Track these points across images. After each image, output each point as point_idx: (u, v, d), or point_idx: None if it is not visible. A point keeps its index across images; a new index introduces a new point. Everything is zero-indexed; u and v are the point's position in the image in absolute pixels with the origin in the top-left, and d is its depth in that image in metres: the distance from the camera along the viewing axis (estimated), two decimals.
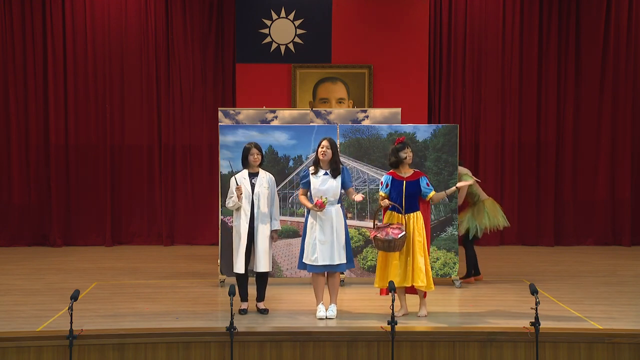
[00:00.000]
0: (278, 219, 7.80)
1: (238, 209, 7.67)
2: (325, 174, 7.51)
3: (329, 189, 7.48)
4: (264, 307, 7.74)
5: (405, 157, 7.55)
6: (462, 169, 9.18)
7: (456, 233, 9.08)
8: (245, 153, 7.72)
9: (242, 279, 7.71)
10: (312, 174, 7.55)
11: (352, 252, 7.72)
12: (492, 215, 9.16)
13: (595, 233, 12.07)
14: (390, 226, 7.42)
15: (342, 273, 8.37)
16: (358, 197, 7.41)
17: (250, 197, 7.64)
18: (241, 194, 7.59)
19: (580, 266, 10.46)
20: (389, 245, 7.36)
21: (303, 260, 7.57)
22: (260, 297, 7.78)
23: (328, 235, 7.46)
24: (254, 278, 7.79)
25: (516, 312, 7.73)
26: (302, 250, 7.60)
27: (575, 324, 7.35)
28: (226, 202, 7.81)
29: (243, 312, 7.68)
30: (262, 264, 7.65)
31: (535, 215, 12.01)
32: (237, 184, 7.64)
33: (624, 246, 11.94)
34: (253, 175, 7.72)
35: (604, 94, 12.00)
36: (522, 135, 11.99)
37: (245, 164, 7.74)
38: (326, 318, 7.48)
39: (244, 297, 7.75)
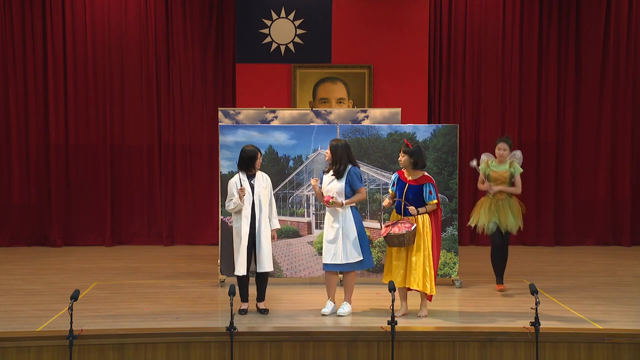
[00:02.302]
0: (277, 218, 7.84)
1: (238, 211, 7.67)
2: (332, 174, 7.66)
3: (332, 189, 7.60)
4: (264, 307, 7.74)
5: (400, 160, 7.59)
6: (517, 153, 8.68)
7: (456, 233, 9.07)
8: (252, 156, 7.68)
9: (243, 280, 7.71)
10: (325, 171, 7.76)
11: (369, 251, 7.75)
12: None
13: (595, 233, 12.07)
14: (400, 222, 7.45)
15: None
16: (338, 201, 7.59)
17: (251, 199, 7.64)
18: (244, 195, 7.58)
19: (580, 266, 10.47)
20: (402, 240, 7.37)
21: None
22: (261, 297, 7.78)
23: (335, 235, 7.55)
24: (254, 278, 7.80)
25: (516, 312, 7.73)
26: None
27: (575, 324, 7.35)
28: (226, 205, 7.79)
29: (243, 312, 7.68)
30: (267, 264, 7.67)
31: (535, 215, 12.00)
32: (240, 185, 7.63)
33: (624, 246, 11.94)
34: (251, 177, 7.72)
35: (604, 94, 12.00)
36: (522, 135, 11.99)
37: (249, 166, 7.72)
38: (337, 315, 7.58)
39: (245, 298, 7.76)
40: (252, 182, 7.68)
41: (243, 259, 7.62)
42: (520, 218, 8.57)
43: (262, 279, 7.78)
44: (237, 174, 7.74)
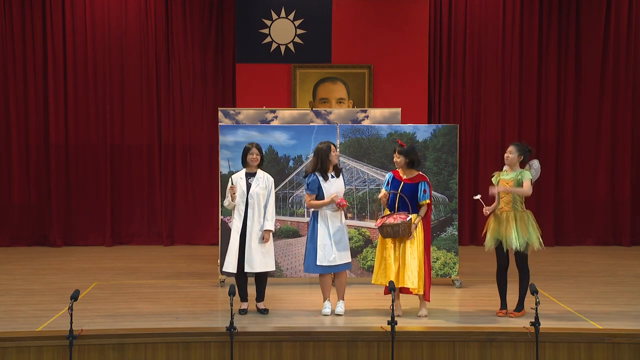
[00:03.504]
0: (272, 220, 7.70)
1: (235, 208, 7.69)
2: (332, 176, 7.66)
3: (339, 189, 7.65)
4: (263, 307, 7.74)
5: (395, 161, 7.60)
6: (534, 163, 7.71)
7: (456, 233, 9.06)
8: (245, 152, 7.74)
9: (241, 279, 7.71)
10: (322, 177, 7.62)
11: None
12: (535, 230, 7.63)
13: (595, 233, 12.07)
14: (397, 214, 7.48)
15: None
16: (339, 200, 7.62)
17: (245, 197, 7.65)
18: (234, 193, 7.60)
19: (580, 266, 10.46)
20: (396, 230, 7.37)
21: (318, 263, 7.59)
22: (260, 297, 7.78)
23: (340, 235, 7.63)
24: (253, 278, 7.79)
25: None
26: (312, 253, 7.63)
27: (575, 324, 7.35)
28: (223, 202, 7.87)
29: (243, 312, 7.68)
30: (256, 264, 7.62)
31: (536, 215, 11.91)
32: (232, 184, 7.65)
33: (624, 246, 11.94)
34: (250, 175, 7.73)
35: (604, 94, 12.00)
36: (522, 135, 11.98)
37: (245, 163, 7.76)
38: (335, 314, 7.60)
39: (244, 297, 7.75)
40: (249, 181, 7.69)
41: (233, 256, 7.62)
42: (529, 235, 7.50)
43: (261, 279, 7.77)
44: (237, 172, 7.81)
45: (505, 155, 7.64)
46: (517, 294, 7.62)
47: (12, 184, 11.83)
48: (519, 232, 7.48)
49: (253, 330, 7.11)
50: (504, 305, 7.66)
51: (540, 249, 7.60)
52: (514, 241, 7.45)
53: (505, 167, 7.73)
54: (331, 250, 7.58)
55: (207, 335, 6.95)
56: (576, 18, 11.95)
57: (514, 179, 7.55)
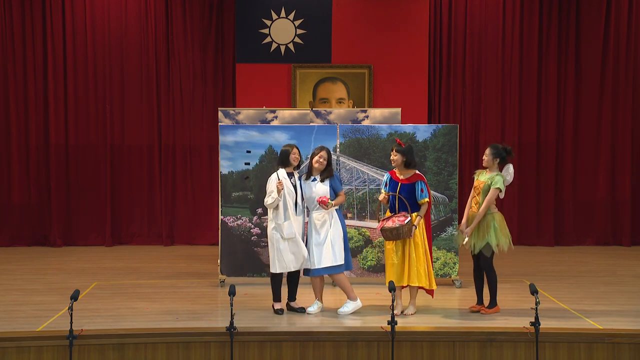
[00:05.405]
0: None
1: (277, 207, 7.63)
2: (314, 179, 7.69)
3: (319, 192, 7.63)
4: (300, 306, 7.78)
5: (392, 159, 7.62)
6: (509, 167, 7.72)
7: (456, 233, 9.06)
8: (286, 154, 7.70)
9: (280, 278, 7.72)
10: (304, 178, 7.76)
11: (349, 252, 7.82)
12: (502, 232, 7.65)
13: (595, 233, 12.07)
14: (395, 216, 7.53)
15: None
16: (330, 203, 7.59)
17: (295, 196, 7.64)
18: (282, 188, 7.56)
19: (580, 266, 10.47)
20: (397, 233, 7.46)
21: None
22: (294, 296, 7.83)
23: (324, 238, 7.62)
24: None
25: (516, 312, 7.72)
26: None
27: (575, 324, 7.35)
28: (265, 200, 7.69)
29: (280, 312, 7.70)
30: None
31: (535, 215, 12.02)
32: (278, 179, 7.62)
33: (624, 246, 11.94)
34: (291, 175, 7.73)
35: (604, 94, 12.01)
36: (522, 135, 12.00)
37: (287, 163, 7.71)
38: (337, 314, 7.67)
39: (279, 297, 7.76)
40: (292, 180, 7.70)
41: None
42: (489, 237, 7.55)
43: (295, 277, 7.80)
44: (277, 172, 7.71)
45: (483, 158, 7.74)
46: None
47: (12, 184, 11.84)
48: (478, 235, 7.62)
49: (253, 330, 7.12)
50: (480, 300, 7.83)
51: (504, 251, 7.65)
52: (474, 244, 7.66)
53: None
54: (314, 252, 7.64)
55: (207, 335, 6.96)
56: (576, 18, 11.96)
57: (485, 181, 7.63)
